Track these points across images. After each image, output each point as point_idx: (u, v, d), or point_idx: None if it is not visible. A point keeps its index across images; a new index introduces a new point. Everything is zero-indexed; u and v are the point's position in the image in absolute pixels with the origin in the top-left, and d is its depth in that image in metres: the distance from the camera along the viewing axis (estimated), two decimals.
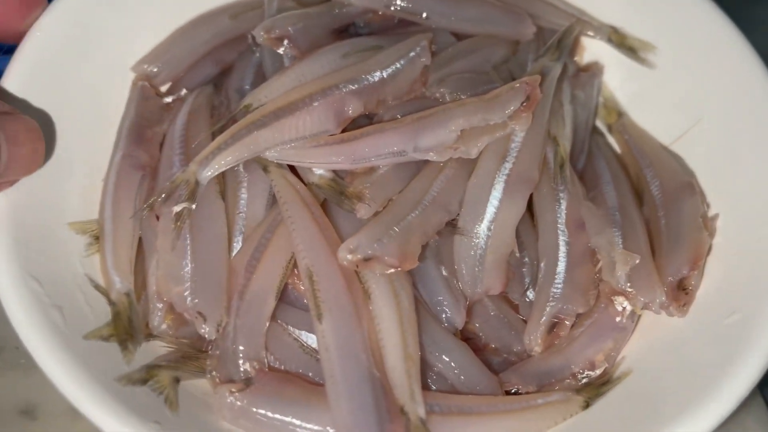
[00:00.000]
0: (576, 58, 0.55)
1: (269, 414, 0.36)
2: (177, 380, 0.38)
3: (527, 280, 0.45)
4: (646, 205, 0.47)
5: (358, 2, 0.49)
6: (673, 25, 0.51)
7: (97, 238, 0.43)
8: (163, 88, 0.51)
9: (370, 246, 0.39)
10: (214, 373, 0.39)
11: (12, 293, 0.35)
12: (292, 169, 0.44)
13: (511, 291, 0.45)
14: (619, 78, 0.54)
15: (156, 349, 0.40)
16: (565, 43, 0.49)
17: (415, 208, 0.42)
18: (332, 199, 0.42)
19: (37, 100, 0.43)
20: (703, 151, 0.48)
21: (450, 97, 0.46)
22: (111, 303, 0.40)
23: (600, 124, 0.54)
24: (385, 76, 0.46)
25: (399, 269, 0.40)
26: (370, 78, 0.45)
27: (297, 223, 0.40)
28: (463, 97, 0.46)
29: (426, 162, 0.44)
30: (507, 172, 0.44)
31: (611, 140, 0.54)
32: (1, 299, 0.35)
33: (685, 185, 0.46)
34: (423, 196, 0.43)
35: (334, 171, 0.44)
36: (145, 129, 0.47)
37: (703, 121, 0.49)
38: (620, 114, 0.53)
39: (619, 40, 0.53)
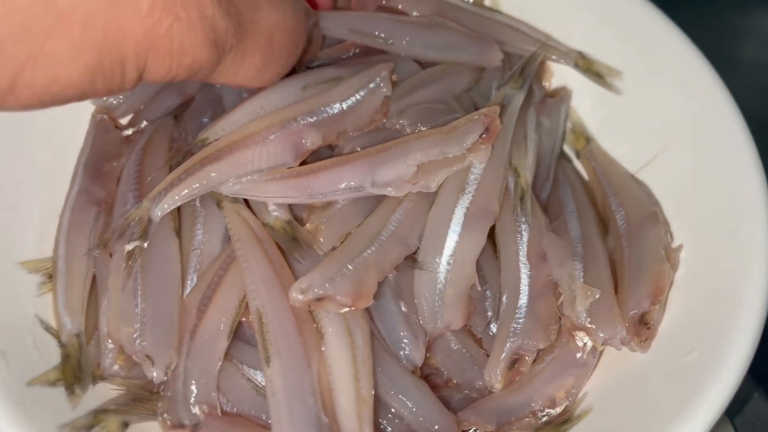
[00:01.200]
0: (544, 83, 0.55)
1: None
2: (126, 425, 0.37)
3: (489, 313, 0.45)
4: (611, 234, 0.47)
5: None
6: (639, 51, 0.51)
7: (51, 277, 0.42)
8: (124, 120, 0.50)
9: (321, 285, 0.38)
10: (165, 415, 0.38)
11: None
12: (248, 204, 0.44)
13: (473, 324, 0.45)
14: (588, 103, 0.54)
15: (106, 392, 0.39)
16: (528, 71, 0.49)
17: (371, 243, 0.41)
18: (284, 245, 0.41)
19: None
20: (669, 180, 0.48)
21: (410, 129, 0.46)
22: (61, 345, 0.40)
23: (568, 150, 0.54)
24: (344, 107, 0.45)
25: (353, 308, 0.39)
26: (329, 110, 0.45)
27: (249, 261, 0.40)
28: (423, 128, 0.45)
29: (384, 195, 0.43)
30: (467, 204, 0.43)
31: (579, 166, 0.53)
32: None
33: (649, 215, 0.46)
34: (380, 231, 0.42)
35: (291, 205, 0.44)
36: (103, 163, 0.46)
37: (670, 148, 0.48)
38: (588, 139, 0.53)
39: (586, 65, 0.52)
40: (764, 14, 0.61)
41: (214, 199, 0.43)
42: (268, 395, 0.36)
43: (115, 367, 0.40)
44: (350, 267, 0.40)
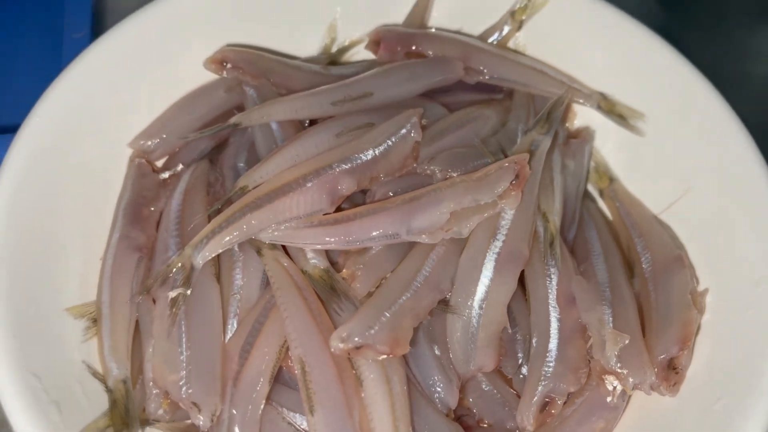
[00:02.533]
0: (567, 124, 0.56)
1: None
2: None
3: (520, 355, 0.46)
4: (638, 277, 0.48)
5: (303, 116, 0.50)
6: (661, 94, 0.52)
7: (95, 321, 0.43)
8: (159, 163, 0.52)
9: (361, 334, 0.40)
10: None
11: (11, 393, 0.36)
12: (285, 250, 0.45)
13: (505, 367, 0.46)
14: (611, 143, 0.55)
15: None
16: (554, 116, 0.50)
17: (406, 290, 0.43)
18: (322, 294, 0.42)
19: (33, 186, 0.44)
20: (693, 222, 0.49)
21: (441, 175, 0.47)
22: (108, 390, 0.41)
23: (591, 189, 0.55)
24: (377, 153, 0.46)
25: (391, 355, 0.40)
26: (362, 156, 0.46)
27: (290, 310, 0.41)
28: (453, 174, 0.47)
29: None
30: (497, 250, 0.45)
31: (603, 205, 0.54)
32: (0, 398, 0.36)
33: (675, 258, 0.47)
34: (414, 277, 0.43)
35: (327, 251, 0.45)
36: (142, 207, 0.48)
37: (693, 190, 0.49)
38: (612, 179, 0.54)
39: (609, 107, 0.54)
40: None
41: (253, 247, 0.44)
42: None
43: (160, 411, 0.41)
44: (387, 315, 0.41)
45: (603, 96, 0.54)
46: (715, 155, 0.49)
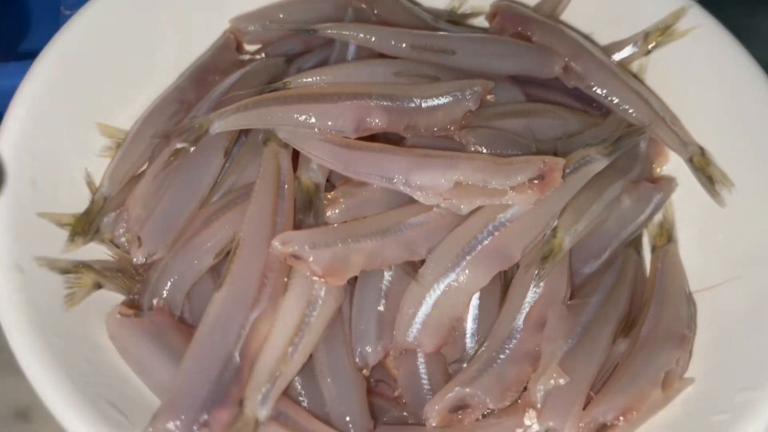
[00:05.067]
0: (654, 166, 0.51)
1: (134, 347, 0.38)
2: (98, 286, 0.41)
3: (467, 353, 0.43)
4: (630, 338, 0.43)
5: (379, 47, 0.49)
6: (762, 172, 0.45)
7: (119, 146, 0.47)
8: (250, 47, 0.55)
9: (301, 246, 0.39)
10: (136, 297, 0.42)
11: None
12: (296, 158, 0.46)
13: (448, 357, 0.43)
14: (691, 204, 0.49)
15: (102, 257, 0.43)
16: (622, 143, 0.45)
17: (376, 233, 0.42)
18: (299, 202, 0.43)
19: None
20: (721, 312, 0.43)
21: (472, 148, 0.45)
22: (91, 201, 0.45)
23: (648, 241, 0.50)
24: (423, 105, 0.45)
25: (323, 281, 0.40)
26: (406, 102, 0.45)
27: (258, 197, 0.42)
28: (483, 150, 0.44)
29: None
30: (485, 240, 0.42)
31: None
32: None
33: (675, 336, 0.41)
34: (391, 226, 0.42)
35: (332, 173, 0.45)
36: (209, 74, 0.51)
37: (740, 283, 0.43)
38: (670, 240, 0.48)
39: (701, 164, 0.48)
40: None
41: (263, 136, 0.45)
42: (205, 313, 0.38)
43: (123, 240, 0.44)
44: (339, 243, 0.40)
45: (701, 151, 0.48)
46: None
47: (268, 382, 0.37)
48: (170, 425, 0.34)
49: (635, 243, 0.49)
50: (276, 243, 0.40)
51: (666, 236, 0.48)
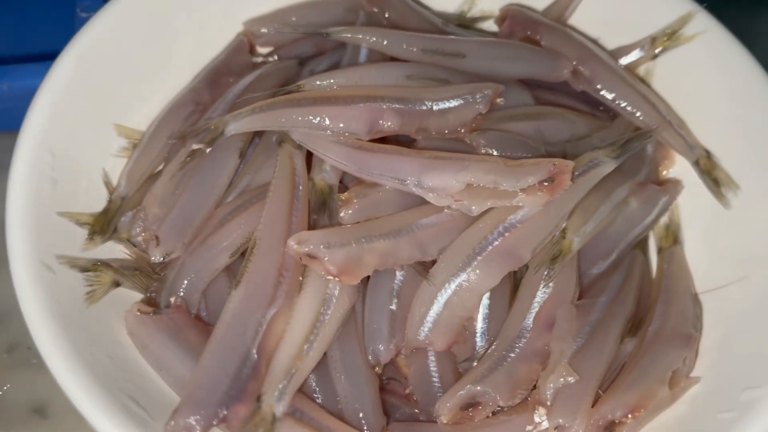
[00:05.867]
0: (660, 169, 0.52)
1: (153, 343, 0.39)
2: (117, 284, 0.42)
3: (477, 351, 0.44)
4: (638, 338, 0.43)
5: (390, 51, 0.50)
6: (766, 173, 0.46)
7: (135, 147, 0.48)
8: (262, 50, 0.55)
9: (317, 245, 0.40)
10: (153, 294, 0.43)
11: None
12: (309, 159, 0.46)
13: (459, 356, 0.44)
14: (696, 206, 0.50)
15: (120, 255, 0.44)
16: (630, 146, 0.46)
17: (388, 234, 0.42)
18: (313, 203, 0.43)
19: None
20: (727, 313, 0.43)
21: (482, 150, 0.46)
22: (109, 200, 0.45)
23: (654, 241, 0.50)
24: (434, 108, 0.46)
25: (337, 279, 0.40)
26: (418, 105, 0.46)
27: (273, 197, 0.42)
28: (493, 153, 0.45)
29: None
30: (496, 241, 0.43)
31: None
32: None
33: (682, 336, 0.42)
34: (404, 227, 0.43)
35: (345, 174, 0.46)
36: (222, 75, 0.52)
37: (746, 283, 0.44)
38: (676, 241, 0.49)
39: (708, 167, 0.49)
40: None
41: (278, 138, 0.46)
42: (222, 311, 0.39)
43: (139, 238, 0.45)
44: (353, 243, 0.41)
45: (707, 154, 0.49)
46: None
47: (285, 378, 0.38)
48: (191, 420, 0.35)
49: (642, 244, 0.50)
50: (292, 243, 0.40)
51: (672, 238, 0.49)
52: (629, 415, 0.38)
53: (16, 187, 0.41)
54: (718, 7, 0.51)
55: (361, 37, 0.50)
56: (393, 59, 0.51)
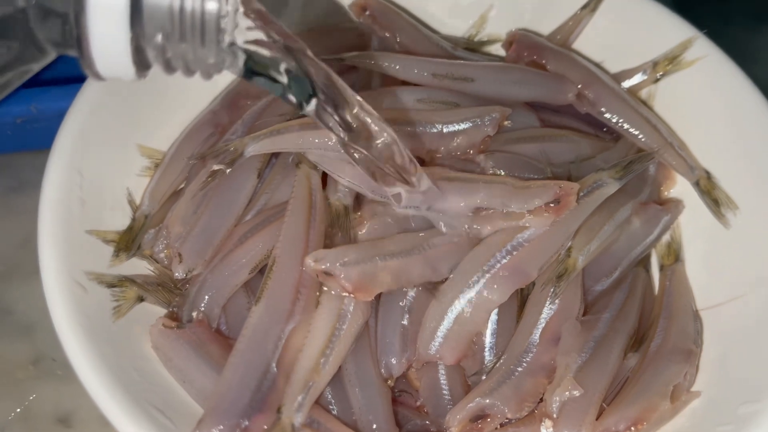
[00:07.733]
0: (662, 189, 0.53)
1: (177, 356, 0.41)
2: (141, 299, 0.44)
3: (486, 365, 0.46)
4: (640, 353, 0.45)
5: (402, 75, 0.52)
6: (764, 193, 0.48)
7: (157, 166, 0.50)
8: None
9: (333, 263, 0.42)
10: (175, 309, 0.45)
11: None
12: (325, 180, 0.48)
13: (468, 370, 0.46)
14: (697, 225, 0.51)
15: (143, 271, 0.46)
16: (633, 168, 0.48)
17: (401, 253, 0.44)
18: (329, 223, 0.45)
19: None
20: (726, 329, 0.45)
21: (490, 171, 0.48)
22: (132, 218, 0.47)
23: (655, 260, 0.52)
24: (444, 131, 0.48)
25: (353, 296, 0.42)
26: (428, 127, 0.48)
27: (292, 217, 0.44)
28: (501, 173, 0.47)
29: None
30: (504, 260, 0.44)
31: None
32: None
33: (682, 351, 0.43)
34: (415, 247, 0.45)
35: (359, 195, 0.48)
36: (241, 98, 0.54)
37: (744, 301, 0.45)
38: (678, 259, 0.51)
39: (707, 187, 0.50)
40: None
41: (296, 159, 0.48)
42: (244, 326, 0.41)
43: (162, 255, 0.47)
44: (367, 261, 0.43)
45: (707, 175, 0.51)
46: None
47: (303, 390, 0.40)
48: (214, 430, 0.37)
49: (644, 262, 0.51)
50: (309, 260, 0.42)
51: (674, 256, 0.51)
52: (632, 428, 0.40)
53: (47, 206, 0.42)
54: (719, 25, 0.53)
55: (374, 62, 0.52)
56: (404, 83, 0.53)
